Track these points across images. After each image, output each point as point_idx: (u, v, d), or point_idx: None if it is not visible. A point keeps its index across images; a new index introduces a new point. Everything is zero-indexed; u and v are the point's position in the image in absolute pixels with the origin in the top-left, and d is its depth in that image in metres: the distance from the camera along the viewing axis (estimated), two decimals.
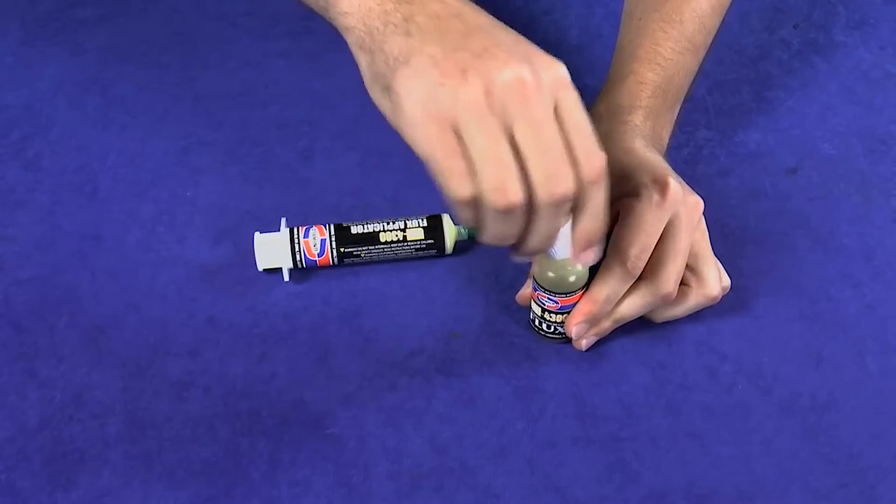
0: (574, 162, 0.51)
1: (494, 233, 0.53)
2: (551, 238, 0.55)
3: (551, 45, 0.53)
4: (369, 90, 0.54)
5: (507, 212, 0.51)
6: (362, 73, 0.54)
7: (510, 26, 0.53)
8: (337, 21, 0.55)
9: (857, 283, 0.70)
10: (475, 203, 0.51)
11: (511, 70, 0.49)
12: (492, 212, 0.51)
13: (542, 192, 0.51)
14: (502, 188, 0.50)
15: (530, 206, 0.52)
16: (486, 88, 0.49)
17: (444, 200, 0.52)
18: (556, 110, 0.51)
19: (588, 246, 0.56)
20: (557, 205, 0.52)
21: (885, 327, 0.68)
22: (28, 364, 0.66)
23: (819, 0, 0.92)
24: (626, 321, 0.65)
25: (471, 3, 0.54)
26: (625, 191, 0.62)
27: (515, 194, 0.50)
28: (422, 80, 0.50)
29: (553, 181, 0.51)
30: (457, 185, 0.51)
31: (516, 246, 0.55)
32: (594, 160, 0.52)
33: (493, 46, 0.50)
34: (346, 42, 0.55)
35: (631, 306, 0.63)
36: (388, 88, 0.52)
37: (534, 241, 0.54)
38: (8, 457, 0.61)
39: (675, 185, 0.61)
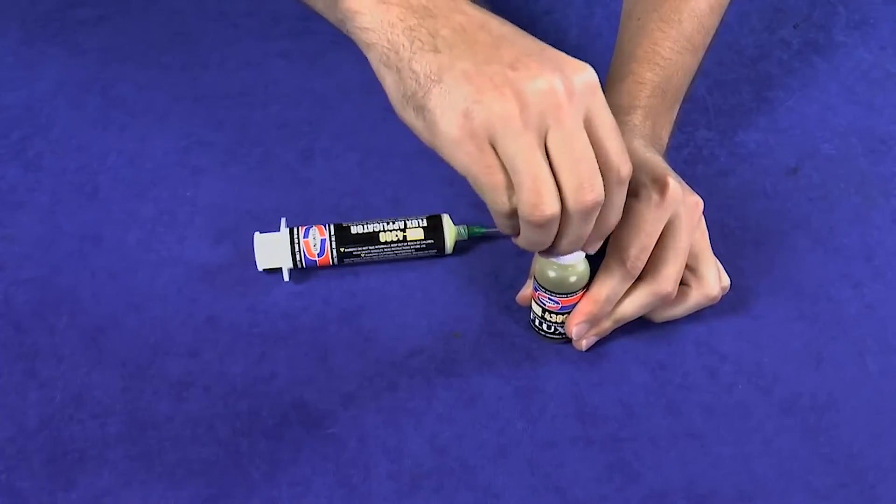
0: (604, 168, 0.53)
1: (530, 240, 0.55)
2: (581, 241, 0.56)
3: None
4: (399, 110, 0.54)
5: (542, 224, 0.52)
6: (388, 93, 0.54)
7: None
8: (356, 36, 0.54)
9: (857, 283, 0.70)
10: (516, 213, 0.53)
11: (544, 80, 0.50)
12: (527, 224, 0.53)
13: (573, 201, 0.52)
14: (538, 203, 0.51)
15: (562, 212, 0.53)
16: (520, 101, 0.50)
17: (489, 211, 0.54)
18: (586, 116, 0.52)
19: (601, 238, 0.58)
20: (588, 212, 0.53)
21: (885, 327, 0.68)
22: (28, 364, 0.66)
23: (819, 0, 0.92)
24: (626, 321, 0.65)
25: (489, 11, 0.54)
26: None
27: (551, 208, 0.52)
28: (456, 98, 0.50)
29: (583, 191, 0.52)
30: (498, 199, 0.52)
31: (548, 249, 0.56)
32: (622, 167, 0.53)
33: (523, 56, 0.51)
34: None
35: (631, 306, 0.63)
36: (421, 108, 0.51)
37: (564, 244, 0.56)
38: (8, 457, 0.61)
39: (675, 184, 0.61)
